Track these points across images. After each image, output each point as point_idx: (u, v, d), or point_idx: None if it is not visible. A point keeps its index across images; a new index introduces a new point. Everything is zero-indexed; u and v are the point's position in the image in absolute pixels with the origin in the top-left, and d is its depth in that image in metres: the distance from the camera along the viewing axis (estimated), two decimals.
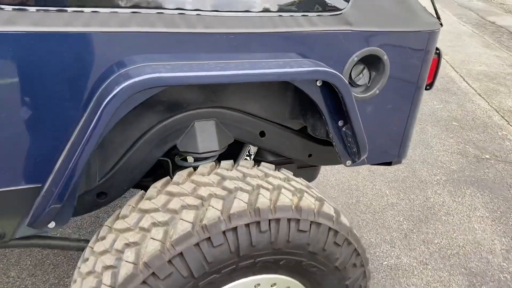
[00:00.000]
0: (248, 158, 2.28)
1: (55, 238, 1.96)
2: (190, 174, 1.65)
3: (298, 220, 1.54)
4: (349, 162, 2.02)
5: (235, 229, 1.44)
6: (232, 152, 2.28)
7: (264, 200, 1.50)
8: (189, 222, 1.41)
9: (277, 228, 1.51)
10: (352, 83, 1.87)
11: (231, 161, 1.74)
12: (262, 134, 2.08)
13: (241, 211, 1.45)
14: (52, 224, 1.53)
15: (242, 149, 2.26)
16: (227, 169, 1.66)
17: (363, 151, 1.93)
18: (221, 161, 1.75)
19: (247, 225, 1.46)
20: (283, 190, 1.59)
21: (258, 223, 1.47)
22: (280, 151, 2.18)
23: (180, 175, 1.63)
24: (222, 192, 1.51)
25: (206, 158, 2.00)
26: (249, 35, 1.58)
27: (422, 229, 3.50)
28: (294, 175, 2.38)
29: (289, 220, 1.53)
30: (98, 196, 1.88)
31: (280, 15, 1.61)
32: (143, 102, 1.74)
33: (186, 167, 2.03)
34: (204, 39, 1.52)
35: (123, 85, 1.33)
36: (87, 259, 1.53)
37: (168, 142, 1.89)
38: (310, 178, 2.51)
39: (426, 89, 2.15)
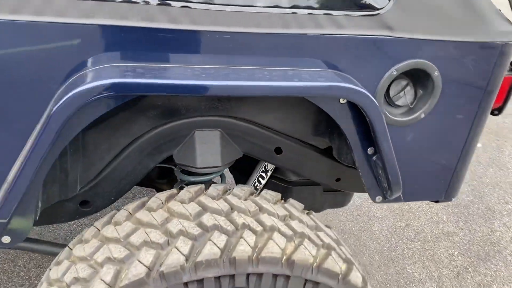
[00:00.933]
0: (264, 174, 1.96)
1: (39, 242, 1.79)
2: (169, 198, 1.37)
3: (287, 277, 1.21)
4: (379, 198, 1.63)
5: (200, 281, 1.15)
6: (251, 164, 1.98)
7: (244, 247, 1.18)
8: (145, 265, 1.13)
9: (258, 285, 1.19)
10: (390, 102, 1.47)
11: (223, 186, 1.43)
12: (278, 150, 1.75)
13: (212, 260, 1.15)
14: (6, 239, 1.32)
15: (257, 164, 1.95)
16: (214, 197, 1.35)
17: (395, 187, 1.54)
18: (212, 185, 1.44)
19: (218, 279, 1.16)
20: (275, 234, 1.26)
21: (232, 277, 1.16)
22: (300, 172, 1.84)
23: (156, 199, 1.36)
24: (195, 230, 1.21)
25: (206, 174, 1.72)
26: (250, 36, 1.24)
27: (479, 269, 2.98)
28: (318, 200, 2.06)
29: (275, 276, 1.20)
30: (82, 205, 1.66)
31: (293, 13, 1.26)
32: (133, 105, 1.49)
33: (184, 181, 1.76)
34: (190, 38, 1.22)
35: (72, 92, 1.07)
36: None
37: (163, 151, 1.63)
38: (340, 203, 2.13)
39: (493, 114, 1.69)
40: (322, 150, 1.83)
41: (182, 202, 1.34)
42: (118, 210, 1.40)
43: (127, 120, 1.53)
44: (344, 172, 1.87)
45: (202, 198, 1.34)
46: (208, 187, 1.46)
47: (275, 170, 1.99)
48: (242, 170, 2.09)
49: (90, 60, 1.18)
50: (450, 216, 3.51)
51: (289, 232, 1.29)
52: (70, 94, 1.07)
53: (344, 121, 1.41)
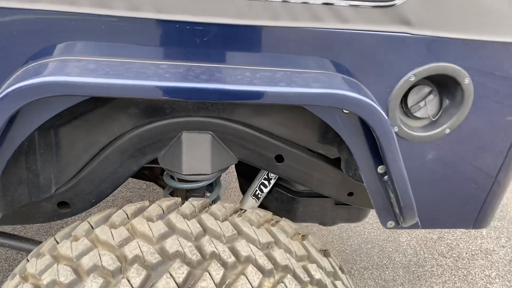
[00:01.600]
0: (266, 182, 1.75)
1: (14, 238, 1.68)
2: (136, 213, 1.19)
3: None
4: (391, 224, 1.38)
5: None
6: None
7: (207, 283, 0.99)
8: None
9: None
10: (408, 113, 1.21)
11: (201, 201, 1.24)
12: (279, 159, 1.54)
13: None
14: None
15: (259, 170, 1.74)
16: (187, 216, 1.16)
17: (408, 214, 1.29)
18: (189, 199, 1.25)
19: None
20: (250, 268, 1.05)
21: None
22: (305, 184, 1.62)
23: (122, 213, 1.19)
24: (154, 257, 1.03)
25: (194, 182, 1.53)
26: (229, 28, 1.03)
27: None
28: (329, 213, 1.83)
29: None
30: (60, 206, 1.53)
31: (284, 1, 1.02)
32: (112, 101, 1.32)
33: (172, 187, 1.58)
34: (156, 29, 1.02)
35: (6, 91, 0.90)
36: None
37: (147, 154, 1.46)
38: (355, 218, 1.88)
39: None
40: (331, 160, 1.59)
41: (148, 219, 1.15)
42: (84, 219, 1.24)
43: (106, 117, 1.37)
44: (358, 186, 1.63)
45: (173, 216, 1.15)
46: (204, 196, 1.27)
47: (280, 178, 1.77)
48: (246, 174, 1.89)
49: (41, 52, 1.01)
50: (490, 231, 3.15)
51: (269, 266, 1.08)
52: (3, 94, 0.90)
53: (349, 134, 1.17)
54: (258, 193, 1.77)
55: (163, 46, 1.03)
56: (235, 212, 1.26)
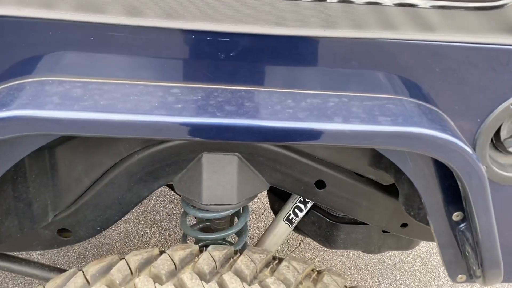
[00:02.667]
0: (302, 206, 1.48)
1: (18, 261, 1.48)
2: (141, 267, 0.95)
3: None
4: (461, 278, 1.10)
5: None
6: None
7: None
8: None
9: None
10: (500, 147, 0.91)
11: (224, 253, 0.98)
12: (320, 184, 1.26)
13: None
14: None
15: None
16: (204, 274, 0.91)
17: (492, 272, 1.00)
18: (210, 249, 1.00)
19: None
20: None
21: None
22: (350, 213, 1.34)
23: (122, 267, 0.94)
24: None
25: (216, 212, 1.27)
26: (265, 39, 0.74)
27: None
28: (375, 241, 1.55)
29: None
30: (61, 232, 1.31)
31: (343, 1, 0.72)
32: None
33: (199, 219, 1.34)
34: (164, 40, 0.74)
35: None
36: None
37: (159, 178, 1.21)
38: (405, 247, 1.60)
39: None
40: (384, 187, 1.31)
41: (156, 278, 0.91)
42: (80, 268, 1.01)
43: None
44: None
45: (187, 276, 0.90)
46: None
47: None
48: (279, 190, 1.62)
49: (18, 67, 0.75)
50: None
51: None
52: None
53: (419, 174, 0.89)
54: (292, 218, 1.50)
55: (174, 63, 0.76)
56: (267, 265, 1.00)
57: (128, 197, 1.24)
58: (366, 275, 2.48)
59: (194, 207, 1.31)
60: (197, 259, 0.97)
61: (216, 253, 0.97)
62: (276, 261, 1.02)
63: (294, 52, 0.77)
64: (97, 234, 1.33)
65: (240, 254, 1.00)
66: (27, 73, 0.75)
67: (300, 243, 2.61)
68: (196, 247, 1.00)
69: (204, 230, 1.57)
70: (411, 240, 1.57)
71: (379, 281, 2.45)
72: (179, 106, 0.70)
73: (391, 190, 1.32)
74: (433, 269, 2.55)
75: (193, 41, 0.74)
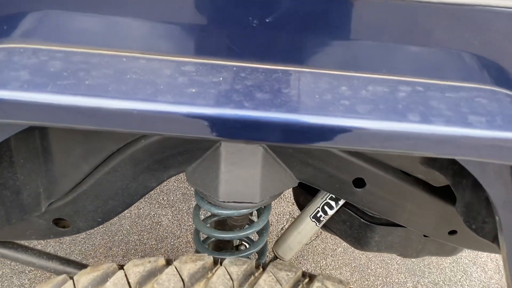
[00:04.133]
0: (332, 203, 1.28)
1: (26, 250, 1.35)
2: (141, 282, 0.77)
3: None
4: None
5: None
6: None
7: None
8: None
9: None
10: None
11: (243, 270, 0.80)
12: (359, 183, 1.06)
13: None
14: None
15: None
16: None
17: None
18: (227, 263, 0.82)
19: None
20: None
21: None
22: (391, 217, 1.15)
23: (120, 280, 0.77)
24: None
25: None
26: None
27: None
28: (414, 245, 1.36)
29: None
30: (57, 222, 1.15)
31: None
32: None
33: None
34: None
35: None
36: None
37: (169, 167, 1.04)
38: (448, 253, 1.40)
39: None
40: (434, 188, 1.10)
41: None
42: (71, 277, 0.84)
43: None
44: (463, 224, 1.14)
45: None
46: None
47: None
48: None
49: None
50: None
51: None
52: None
53: (500, 189, 0.68)
54: (320, 216, 1.31)
55: (188, 29, 0.55)
56: (296, 285, 0.81)
57: (133, 187, 1.07)
58: (392, 270, 2.30)
59: (207, 201, 1.13)
60: (210, 274, 0.79)
61: (234, 269, 0.79)
62: (306, 280, 0.83)
63: (352, 19, 0.56)
64: (98, 225, 1.17)
65: (263, 269, 0.82)
66: None
67: (320, 232, 2.43)
68: (210, 259, 0.82)
69: (219, 224, 1.40)
70: (455, 247, 1.37)
71: (405, 278, 2.27)
72: (193, 90, 0.51)
73: (441, 192, 1.11)
74: (465, 267, 2.35)
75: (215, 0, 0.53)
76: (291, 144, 0.51)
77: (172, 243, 2.29)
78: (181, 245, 2.29)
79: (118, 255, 2.18)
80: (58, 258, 1.41)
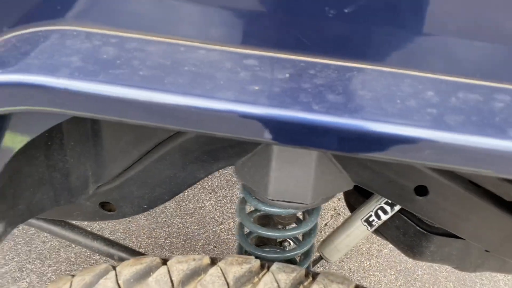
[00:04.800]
0: (387, 208, 1.20)
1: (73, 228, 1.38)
2: (186, 279, 0.74)
3: None
4: None
5: None
6: None
7: None
8: None
9: None
10: None
11: (292, 279, 0.74)
12: (421, 190, 0.98)
13: None
14: None
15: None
16: None
17: None
18: (275, 268, 0.77)
19: None
20: None
21: None
22: (452, 229, 1.06)
23: (159, 279, 0.74)
24: None
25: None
26: None
27: None
28: (473, 259, 1.26)
29: None
30: (104, 205, 1.14)
31: None
32: None
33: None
34: None
35: None
36: None
37: (219, 159, 1.00)
38: (510, 270, 1.29)
39: None
40: (504, 202, 1.00)
41: None
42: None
43: None
44: None
45: None
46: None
47: None
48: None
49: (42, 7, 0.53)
50: None
51: None
52: None
53: None
54: (373, 220, 1.23)
55: (253, 19, 0.49)
56: None
57: (181, 177, 1.04)
58: (440, 277, 2.18)
59: (254, 197, 1.08)
60: (256, 279, 0.75)
61: (282, 276, 0.74)
62: None
63: (446, 12, 0.48)
64: (143, 212, 1.16)
65: (313, 279, 0.77)
66: (49, 17, 0.52)
67: None
68: (257, 263, 0.77)
69: (264, 218, 1.35)
70: None
71: (454, 287, 2.14)
72: (256, 88, 0.45)
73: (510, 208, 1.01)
74: None
75: None
76: (365, 155, 0.45)
77: (214, 229, 2.28)
78: (222, 232, 2.28)
79: (160, 236, 2.20)
80: (103, 239, 1.43)
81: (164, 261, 0.81)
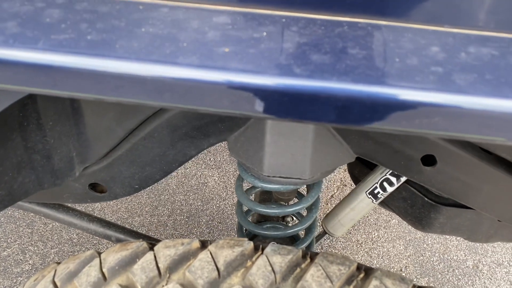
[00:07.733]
0: (393, 179, 1.13)
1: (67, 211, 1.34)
2: (173, 266, 0.68)
3: None
4: None
5: None
6: None
7: None
8: None
9: None
10: None
11: (288, 261, 0.69)
12: (429, 160, 0.91)
13: None
14: None
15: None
16: None
17: None
18: (270, 249, 0.71)
19: None
20: None
21: None
22: (464, 200, 0.99)
23: (144, 266, 0.69)
24: None
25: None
26: None
27: None
28: (484, 230, 1.19)
29: None
30: (94, 187, 1.09)
31: None
32: None
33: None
34: None
35: None
36: None
37: (210, 135, 0.93)
38: None
39: None
40: None
41: (192, 286, 0.64)
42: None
43: None
44: None
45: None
46: None
47: None
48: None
49: None
50: None
51: None
52: None
53: None
54: (378, 192, 1.17)
55: None
56: (349, 281, 0.69)
57: (171, 154, 0.98)
58: (450, 246, 2.13)
59: (251, 174, 1.02)
60: (249, 263, 0.69)
61: (277, 259, 0.68)
62: (362, 275, 0.71)
63: None
64: (136, 192, 1.10)
65: (311, 260, 0.71)
66: None
67: None
68: (250, 245, 0.71)
69: (264, 194, 1.29)
70: None
71: (465, 256, 2.09)
72: (226, 50, 0.37)
73: None
74: None
75: None
76: (358, 126, 0.37)
77: (217, 205, 2.24)
78: (226, 207, 2.23)
79: (163, 214, 2.16)
80: (99, 220, 1.38)
81: (152, 246, 0.75)
